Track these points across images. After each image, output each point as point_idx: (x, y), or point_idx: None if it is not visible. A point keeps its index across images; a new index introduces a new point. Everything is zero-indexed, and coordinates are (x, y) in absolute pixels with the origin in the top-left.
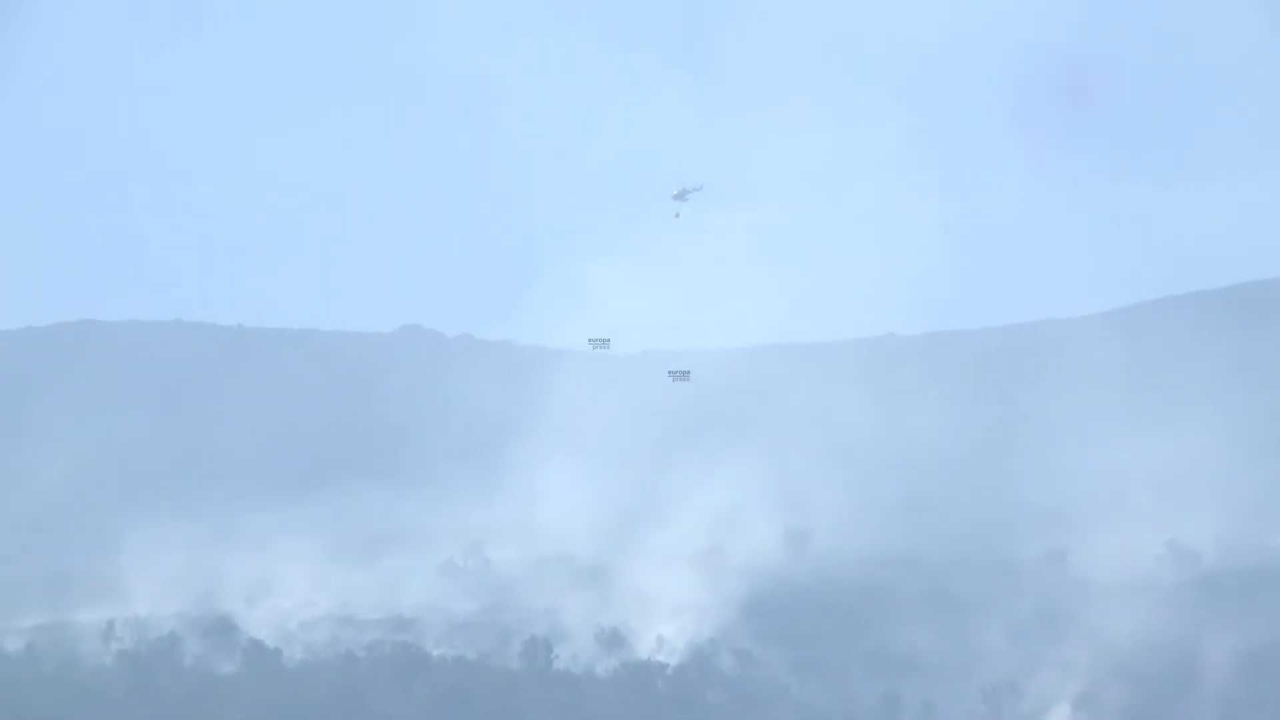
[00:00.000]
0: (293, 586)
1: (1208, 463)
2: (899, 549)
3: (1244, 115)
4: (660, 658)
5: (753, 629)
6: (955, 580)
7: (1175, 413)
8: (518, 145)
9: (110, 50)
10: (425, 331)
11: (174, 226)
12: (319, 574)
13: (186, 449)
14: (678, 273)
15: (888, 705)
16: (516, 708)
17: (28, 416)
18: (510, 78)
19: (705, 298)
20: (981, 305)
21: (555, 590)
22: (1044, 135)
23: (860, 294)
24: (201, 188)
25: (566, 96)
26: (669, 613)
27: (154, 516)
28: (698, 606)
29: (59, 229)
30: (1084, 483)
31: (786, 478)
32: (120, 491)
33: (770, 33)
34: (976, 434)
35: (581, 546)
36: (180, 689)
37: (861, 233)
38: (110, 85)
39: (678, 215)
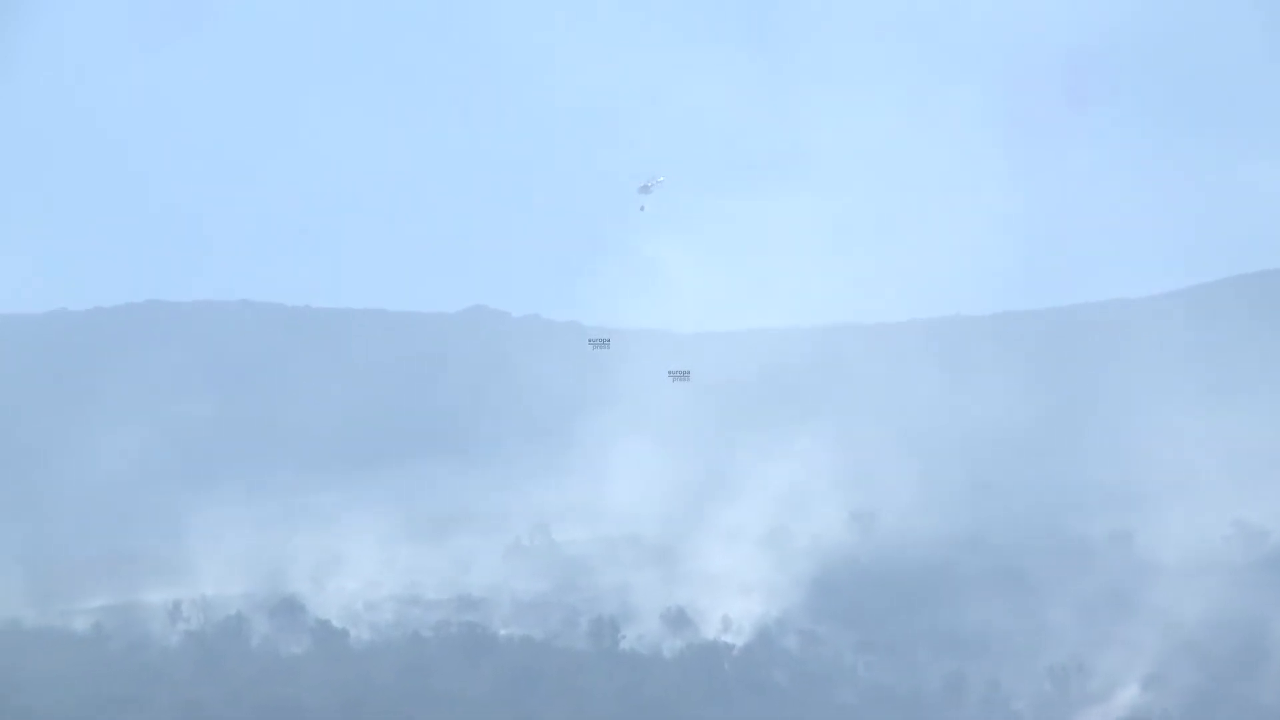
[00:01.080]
0: (360, 566)
1: (1275, 441)
2: (965, 529)
3: None
4: (726, 638)
5: (819, 609)
6: (1022, 560)
7: (1242, 392)
8: (585, 124)
9: (179, 29)
10: (491, 312)
11: (242, 207)
12: (386, 554)
13: (254, 429)
14: (745, 252)
15: (953, 685)
16: (583, 688)
17: (96, 397)
18: (578, 55)
19: (772, 277)
20: (1049, 285)
21: (622, 570)
22: (1112, 113)
23: (927, 274)
24: (269, 168)
25: (634, 74)
26: (735, 593)
27: (221, 497)
28: (764, 586)
29: (127, 210)
30: (1151, 462)
31: (853, 458)
32: (188, 472)
33: (838, 10)
34: (1043, 414)
35: (648, 526)
36: (247, 670)
37: (929, 212)
38: (178, 65)
39: (642, 208)
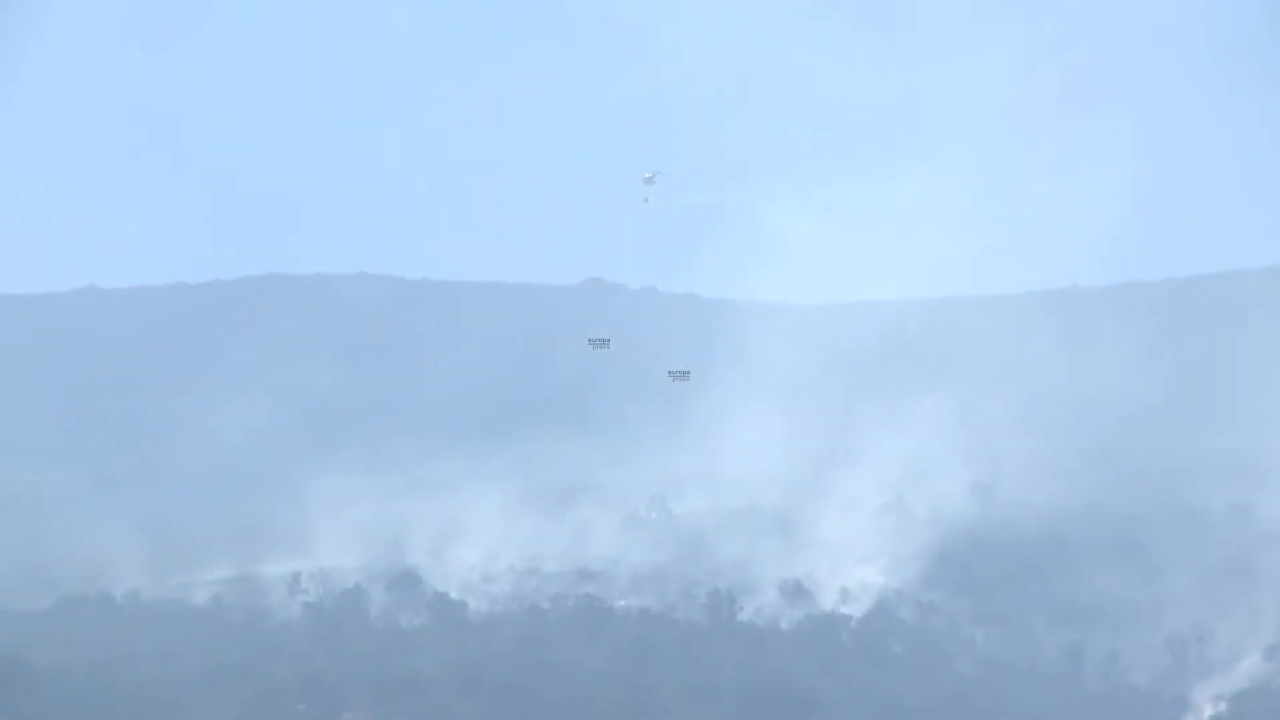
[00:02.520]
0: (478, 538)
1: None
2: (1084, 499)
3: None
4: (844, 609)
5: (937, 580)
6: (1141, 530)
7: None
8: (702, 97)
9: (297, 5)
10: (608, 285)
11: (360, 180)
12: (504, 525)
13: (372, 401)
14: (862, 223)
15: (1072, 656)
16: (700, 660)
17: (215, 370)
18: (693, 27)
19: (889, 248)
20: (1168, 255)
21: (740, 542)
22: (1232, 79)
23: (1045, 245)
24: (388, 140)
25: (752, 47)
26: (853, 564)
27: (341, 468)
28: (882, 557)
29: (245, 183)
30: (1272, 431)
31: (973, 428)
32: (308, 443)
33: None
34: (1163, 384)
35: (766, 498)
36: (365, 642)
37: (1046, 183)
38: (299, 41)
39: (646, 200)
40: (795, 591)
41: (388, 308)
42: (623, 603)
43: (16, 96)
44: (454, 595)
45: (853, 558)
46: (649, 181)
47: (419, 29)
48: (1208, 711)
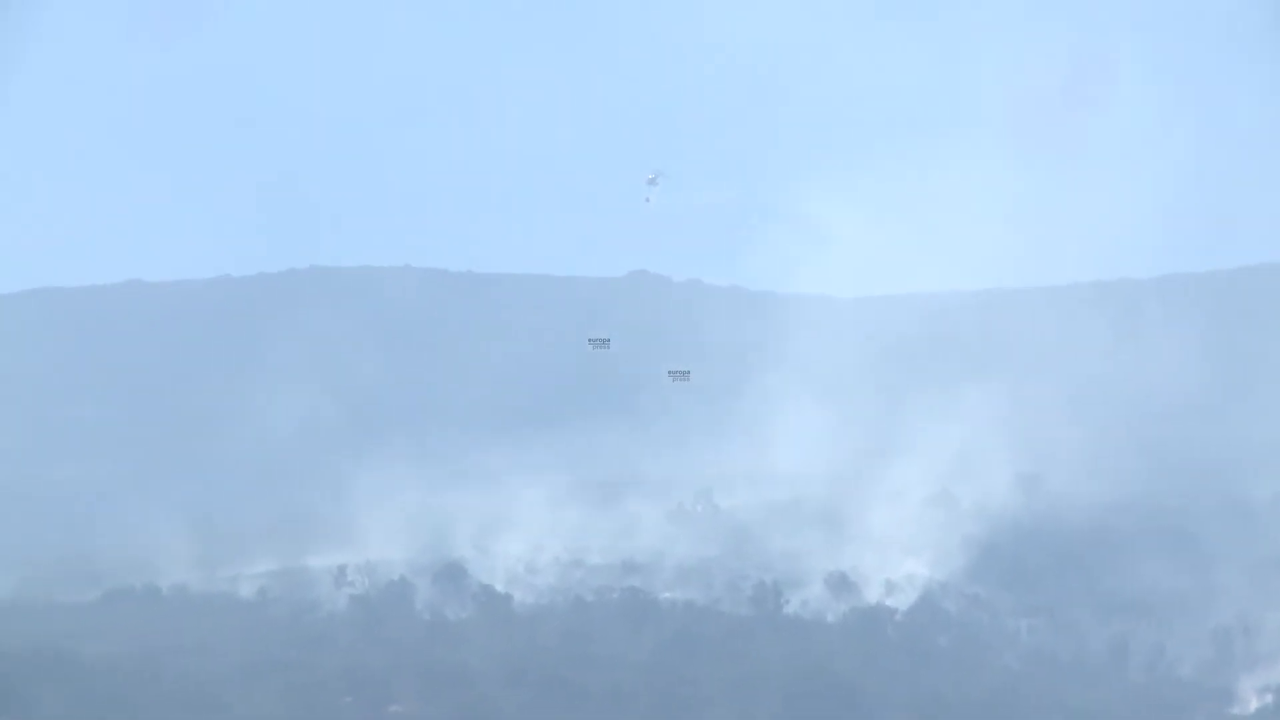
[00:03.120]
0: (523, 530)
1: None
2: (1132, 491)
3: None
4: (890, 602)
5: (983, 573)
6: (1189, 522)
7: None
8: (741, 87)
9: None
10: (653, 277)
11: (404, 173)
12: (549, 517)
13: (417, 394)
14: (907, 215)
15: (1118, 649)
16: (745, 653)
17: (260, 363)
18: (732, 17)
19: (934, 240)
20: (1216, 246)
21: (786, 534)
22: None
23: (1091, 236)
24: (432, 134)
25: (791, 35)
26: (899, 557)
27: (385, 461)
28: (928, 550)
29: (290, 177)
30: None
31: (1020, 420)
32: (352, 436)
33: None
34: (1211, 376)
35: (812, 491)
36: (410, 634)
37: (1092, 173)
38: (346, 34)
39: (648, 200)
40: (840, 584)
41: (432, 300)
42: (668, 595)
43: (61, 92)
44: (499, 588)
45: (898, 550)
46: (651, 182)
47: (466, 21)
48: (1254, 704)
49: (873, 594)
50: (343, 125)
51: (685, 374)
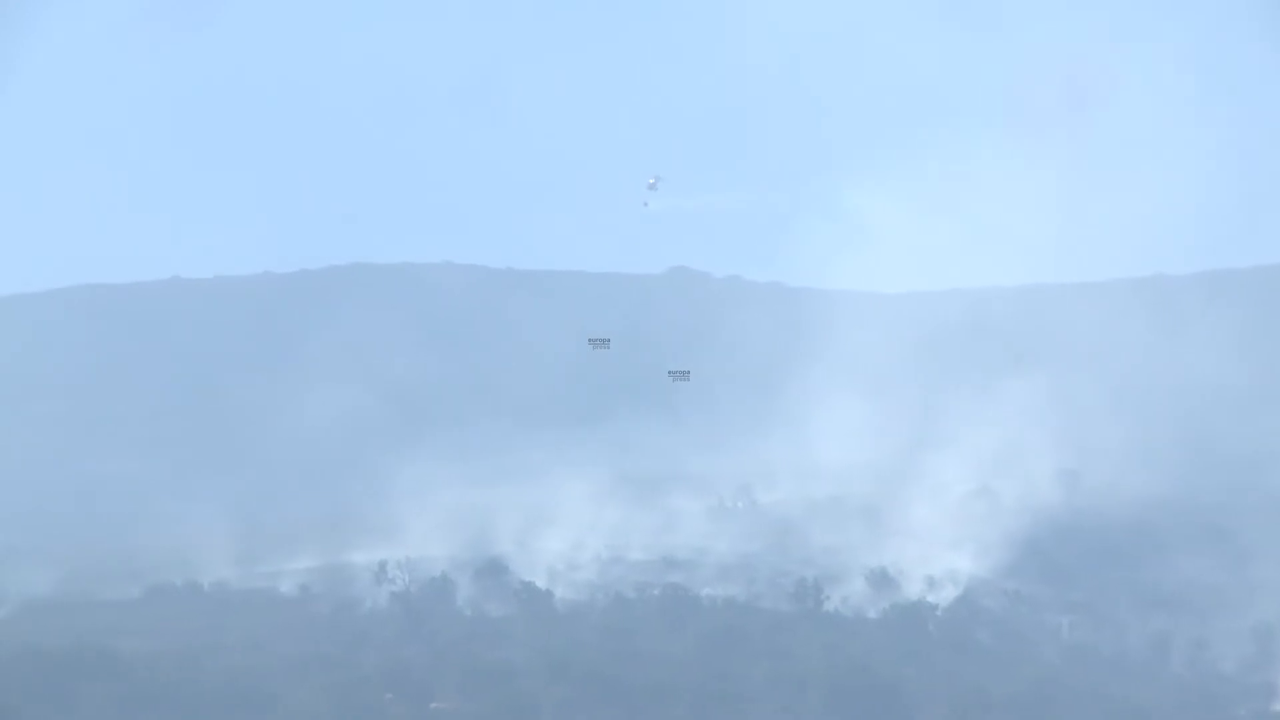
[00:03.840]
0: (564, 527)
1: None
2: (1173, 486)
3: None
4: (930, 598)
5: (1024, 568)
6: (1229, 518)
7: None
8: (782, 85)
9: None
10: (693, 273)
11: (445, 171)
12: (590, 514)
13: (458, 390)
14: (946, 210)
15: (1159, 644)
16: (785, 649)
17: (301, 359)
18: (776, 16)
19: (974, 235)
20: (1256, 242)
21: (826, 530)
22: None
23: (1131, 232)
24: (473, 132)
25: (834, 33)
26: (939, 553)
27: (426, 457)
28: (969, 546)
29: (332, 174)
30: None
31: (1059, 416)
32: (393, 432)
33: None
34: (1252, 372)
35: (853, 487)
36: (451, 631)
37: (1133, 169)
38: (386, 37)
39: (646, 204)
40: (881, 580)
41: (473, 297)
42: (708, 592)
43: (109, 94)
44: (540, 584)
45: (939, 546)
46: (651, 187)
47: (511, 21)
48: None
49: (913, 590)
50: (385, 124)
51: (685, 374)
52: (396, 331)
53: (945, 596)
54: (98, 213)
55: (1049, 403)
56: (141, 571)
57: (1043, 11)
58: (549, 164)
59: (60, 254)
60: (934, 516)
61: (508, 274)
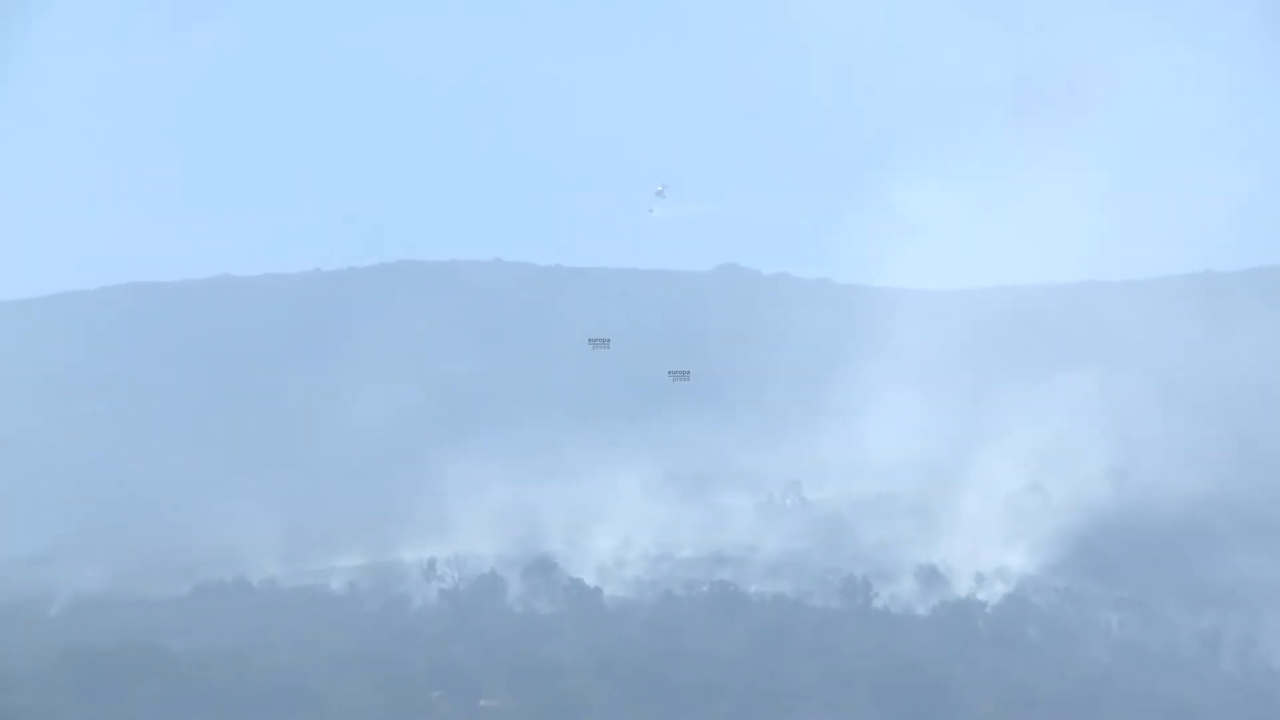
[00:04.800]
0: (613, 524)
1: None
2: (1222, 484)
3: None
4: (980, 595)
5: (1073, 566)
6: (1279, 514)
7: None
8: (831, 82)
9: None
10: (742, 270)
11: (493, 169)
12: (639, 511)
13: (507, 387)
14: (996, 207)
15: (1209, 641)
16: (834, 647)
17: (350, 357)
18: (825, 14)
19: (1023, 232)
20: None
21: (875, 528)
22: None
23: (1180, 229)
24: (520, 130)
25: (883, 30)
26: (989, 550)
27: (475, 454)
28: (1018, 543)
29: (380, 173)
30: None
31: (1108, 414)
32: (442, 430)
33: None
34: None
35: (902, 484)
36: (501, 628)
37: (1182, 166)
38: (432, 37)
39: (651, 210)
40: (930, 577)
41: (522, 294)
42: (757, 589)
43: (156, 96)
44: (589, 581)
45: (988, 543)
46: (659, 194)
47: (557, 20)
48: None
49: (963, 587)
50: (434, 123)
51: (685, 374)
52: (445, 329)
53: (995, 594)
54: (147, 212)
55: (1099, 400)
56: (190, 569)
57: (1092, 9)
58: (599, 162)
59: (110, 253)
60: (983, 513)
61: (556, 271)
